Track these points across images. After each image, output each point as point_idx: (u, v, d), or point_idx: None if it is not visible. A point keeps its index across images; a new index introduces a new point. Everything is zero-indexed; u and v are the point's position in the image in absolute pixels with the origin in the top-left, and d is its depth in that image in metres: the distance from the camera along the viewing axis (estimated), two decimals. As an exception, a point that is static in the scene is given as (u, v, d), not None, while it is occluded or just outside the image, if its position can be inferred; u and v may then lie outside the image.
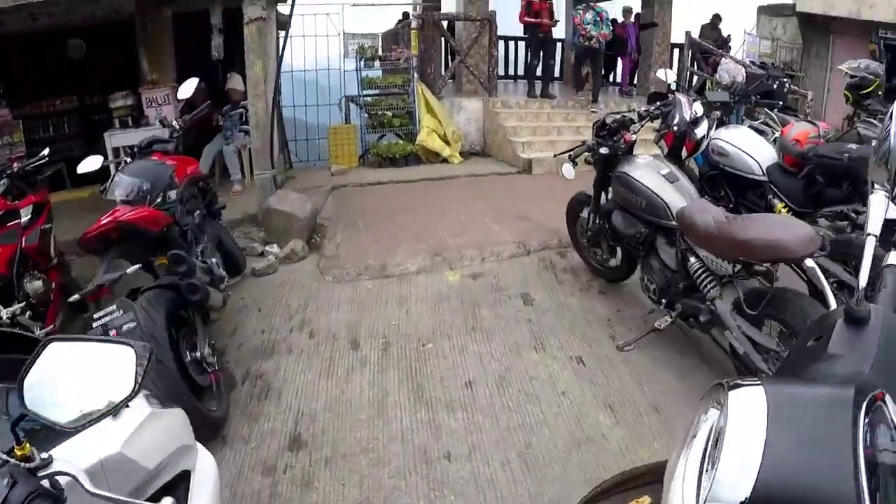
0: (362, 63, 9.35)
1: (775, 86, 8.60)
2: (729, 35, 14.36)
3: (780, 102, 6.78)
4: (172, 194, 3.86)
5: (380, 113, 9.46)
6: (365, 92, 9.50)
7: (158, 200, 3.76)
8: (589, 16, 10.82)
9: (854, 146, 4.26)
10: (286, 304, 4.85)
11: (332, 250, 5.79)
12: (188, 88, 4.72)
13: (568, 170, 4.30)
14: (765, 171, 4.75)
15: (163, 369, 2.86)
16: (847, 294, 4.19)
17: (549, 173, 8.40)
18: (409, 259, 5.42)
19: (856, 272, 4.04)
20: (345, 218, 6.64)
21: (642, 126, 4.54)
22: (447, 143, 9.24)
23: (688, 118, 4.49)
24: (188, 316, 3.51)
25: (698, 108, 4.73)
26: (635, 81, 13.38)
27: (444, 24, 10.67)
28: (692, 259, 3.65)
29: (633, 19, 12.76)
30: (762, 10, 16.06)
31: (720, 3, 15.34)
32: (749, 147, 4.88)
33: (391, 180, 8.17)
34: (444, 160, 9.15)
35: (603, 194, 4.59)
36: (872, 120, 5.65)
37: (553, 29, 10.89)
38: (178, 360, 3.17)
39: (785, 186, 4.64)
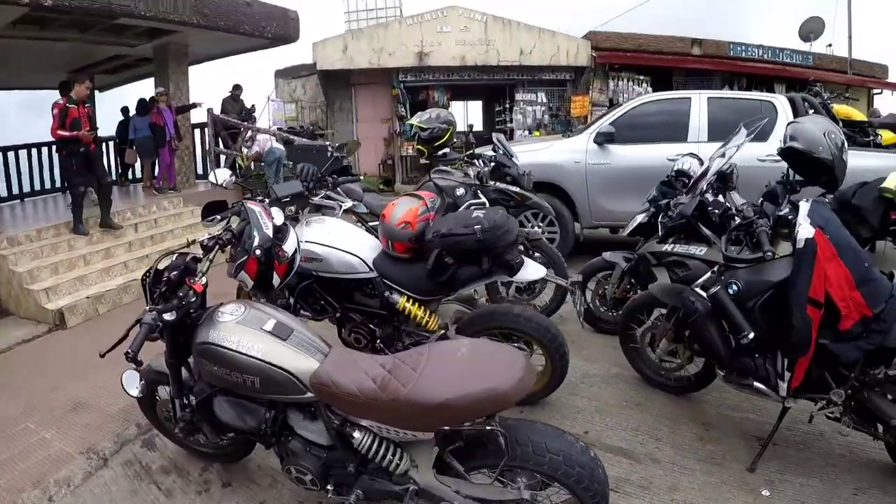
0: None
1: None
2: (253, 105, 13.92)
3: (359, 176, 6.18)
4: None
5: None
6: None
7: None
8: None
9: (479, 214, 3.66)
10: None
11: None
12: None
13: (131, 381, 2.60)
14: (372, 265, 3.92)
15: None
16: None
17: (89, 320, 6.79)
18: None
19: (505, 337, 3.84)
20: None
21: (212, 261, 3.06)
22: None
23: (270, 233, 3.38)
24: None
25: (278, 214, 3.67)
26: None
27: None
28: (356, 434, 2.53)
29: (167, 102, 11.42)
30: (279, 74, 16.30)
31: (236, 73, 15.09)
32: (344, 242, 3.99)
33: None
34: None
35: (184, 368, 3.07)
36: (447, 167, 5.42)
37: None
38: None
39: (402, 277, 3.88)
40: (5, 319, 7.31)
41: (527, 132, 15.89)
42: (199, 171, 13.29)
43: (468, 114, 23.08)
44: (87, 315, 6.83)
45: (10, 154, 14.28)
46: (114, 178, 14.53)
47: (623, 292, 5.14)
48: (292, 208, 4.08)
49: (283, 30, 12.33)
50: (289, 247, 3.46)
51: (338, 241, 3.95)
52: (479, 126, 21.93)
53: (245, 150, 11.98)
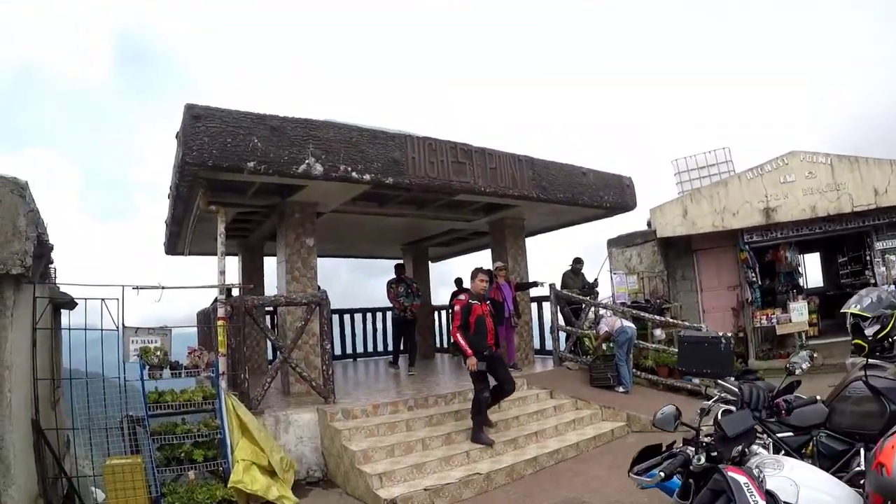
0: (146, 371, 6.46)
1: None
2: (596, 279, 13.03)
3: (815, 397, 4.60)
4: None
5: (175, 442, 6.45)
6: (153, 412, 6.51)
7: None
8: (402, 288, 11.54)
9: None
10: None
11: None
12: None
13: None
14: None
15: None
16: None
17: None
18: None
19: None
20: None
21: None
22: (273, 473, 6.51)
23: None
24: None
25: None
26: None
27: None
28: None
29: (506, 277, 11.01)
30: (612, 243, 15.36)
31: (569, 244, 14.67)
32: (819, 498, 2.71)
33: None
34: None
35: None
36: (881, 363, 3.96)
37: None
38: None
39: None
40: (333, 491, 6.95)
41: (893, 286, 13.12)
42: (537, 346, 12.75)
43: (807, 271, 19.64)
44: (423, 510, 6.11)
45: (346, 317, 15.41)
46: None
47: None
48: (738, 448, 2.90)
49: (619, 198, 11.71)
50: None
51: (811, 497, 2.66)
52: (817, 281, 19.48)
53: (589, 327, 11.21)
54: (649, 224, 15.17)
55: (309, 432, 7.43)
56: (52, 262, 7.73)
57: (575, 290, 12.02)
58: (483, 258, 13.67)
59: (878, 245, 13.43)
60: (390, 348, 14.81)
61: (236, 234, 12.21)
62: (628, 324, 10.23)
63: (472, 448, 7.18)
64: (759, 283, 14.07)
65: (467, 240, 14.73)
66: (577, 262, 12.89)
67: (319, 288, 8.75)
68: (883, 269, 13.26)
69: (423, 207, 10.84)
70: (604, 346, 10.48)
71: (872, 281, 13.31)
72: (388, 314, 14.44)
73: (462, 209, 11.25)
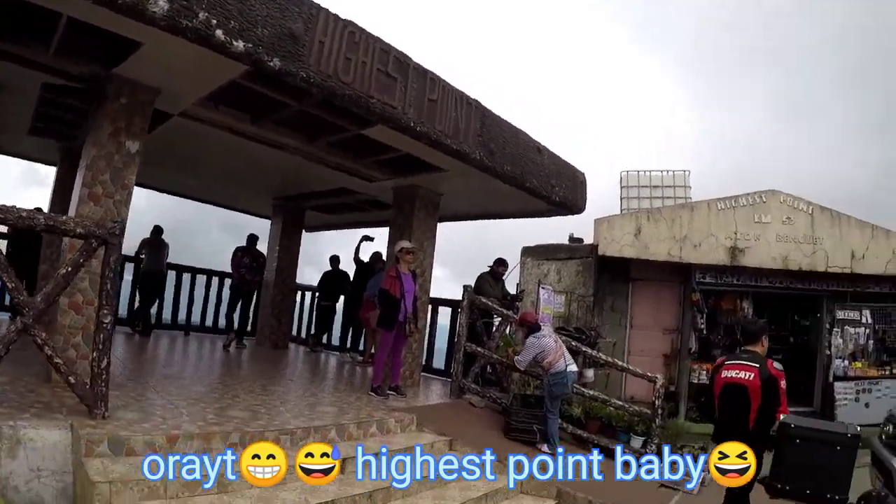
0: None
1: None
2: (521, 291, 10.57)
3: None
4: None
5: None
6: None
7: None
8: (247, 259, 10.72)
9: None
10: None
11: None
12: None
13: None
14: None
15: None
16: None
17: None
18: None
19: None
20: None
21: None
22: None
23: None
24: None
25: None
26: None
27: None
28: None
29: (411, 267, 7.88)
30: (528, 252, 12.65)
31: (480, 245, 12.07)
32: None
33: None
34: None
35: None
36: None
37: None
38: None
39: None
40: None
41: (846, 361, 11.73)
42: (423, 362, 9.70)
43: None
44: None
45: (186, 275, 12.23)
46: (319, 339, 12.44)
47: None
48: None
49: (570, 193, 8.97)
50: None
51: None
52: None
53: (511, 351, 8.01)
54: (572, 239, 12.84)
55: (54, 463, 3.96)
56: None
57: (493, 300, 8.85)
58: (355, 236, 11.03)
59: (840, 314, 11.80)
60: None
61: (55, 133, 8.40)
62: (573, 367, 7.18)
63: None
64: (705, 331, 11.87)
65: (356, 209, 11.65)
66: (500, 263, 9.80)
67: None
68: (840, 340, 11.53)
69: (314, 140, 7.61)
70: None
71: (828, 352, 11.61)
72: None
73: (367, 157, 8.11)
